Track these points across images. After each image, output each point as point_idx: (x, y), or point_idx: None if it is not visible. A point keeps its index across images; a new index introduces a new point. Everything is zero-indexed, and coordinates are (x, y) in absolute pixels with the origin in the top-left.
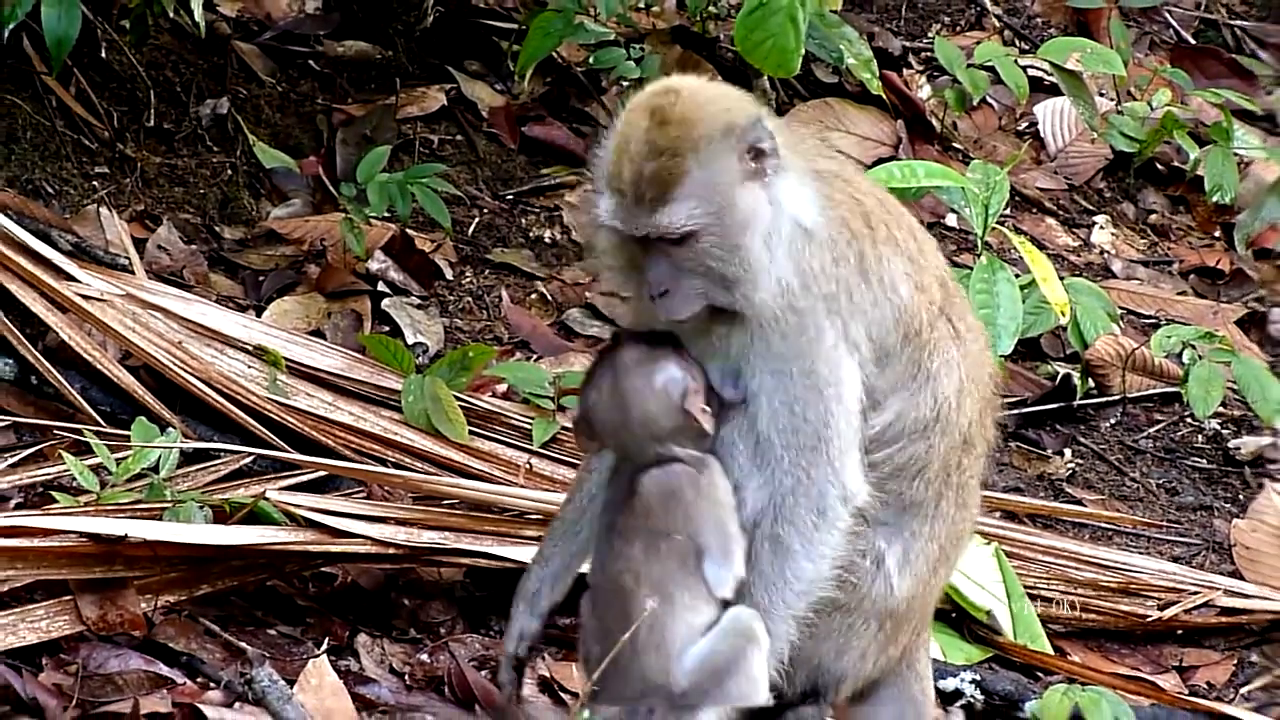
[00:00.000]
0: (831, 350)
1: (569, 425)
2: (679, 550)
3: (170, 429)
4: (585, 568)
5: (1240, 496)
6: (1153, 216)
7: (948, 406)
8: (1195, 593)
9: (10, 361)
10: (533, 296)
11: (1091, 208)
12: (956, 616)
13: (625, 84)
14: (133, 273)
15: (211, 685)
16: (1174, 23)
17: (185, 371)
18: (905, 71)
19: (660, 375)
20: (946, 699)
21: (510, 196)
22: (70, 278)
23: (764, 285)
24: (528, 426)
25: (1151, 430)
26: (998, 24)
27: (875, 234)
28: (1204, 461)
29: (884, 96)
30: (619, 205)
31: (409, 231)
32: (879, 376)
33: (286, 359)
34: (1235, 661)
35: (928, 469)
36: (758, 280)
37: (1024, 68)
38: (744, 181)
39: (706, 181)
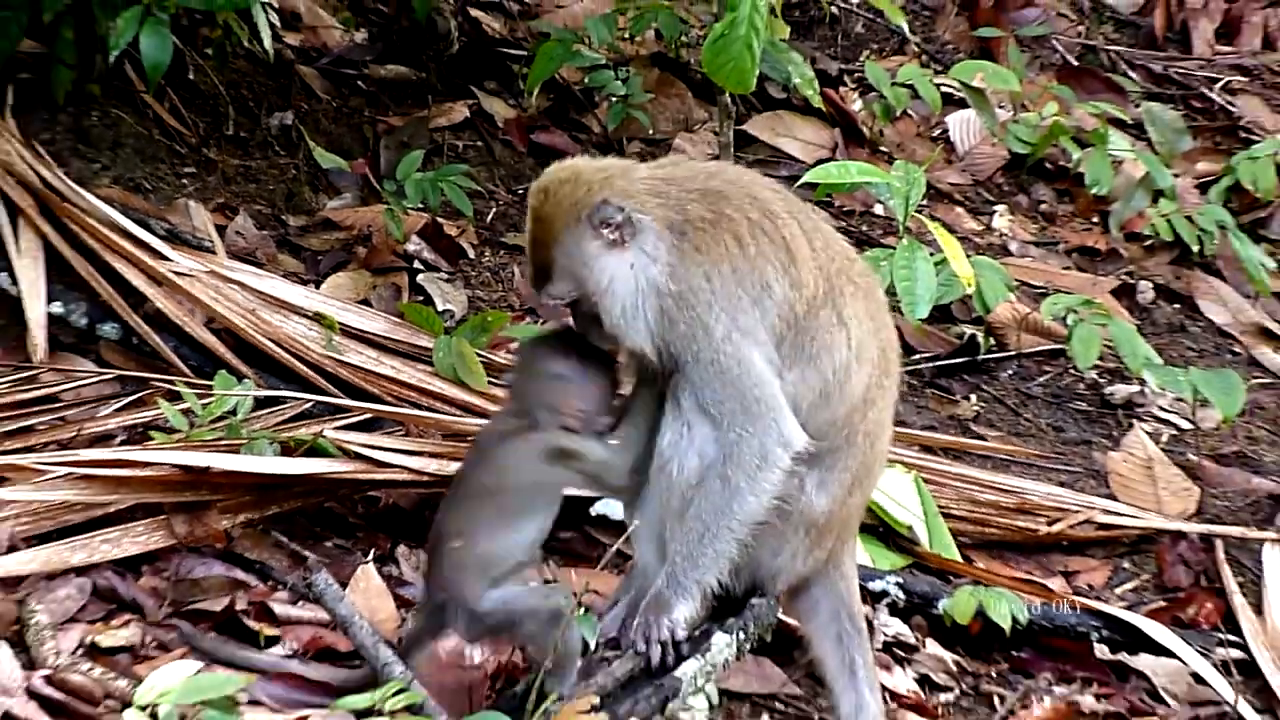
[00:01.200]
0: (724, 341)
1: None
2: (499, 505)
3: (246, 380)
4: None
5: (1114, 433)
6: (1043, 206)
7: (836, 380)
8: (1077, 511)
9: (116, 325)
10: None
11: (993, 199)
12: (883, 531)
13: (614, 99)
14: (215, 253)
15: (279, 587)
16: (1060, 48)
17: (258, 333)
18: (841, 89)
19: (563, 367)
20: (875, 598)
21: (521, 191)
22: (164, 257)
23: (637, 332)
24: None
25: (1041, 379)
26: (917, 50)
27: (745, 251)
28: (1084, 405)
29: (824, 109)
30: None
31: (439, 220)
32: (780, 358)
33: (340, 323)
34: (1110, 568)
35: (834, 424)
36: (630, 329)
37: (938, 85)
38: (604, 253)
39: (570, 263)
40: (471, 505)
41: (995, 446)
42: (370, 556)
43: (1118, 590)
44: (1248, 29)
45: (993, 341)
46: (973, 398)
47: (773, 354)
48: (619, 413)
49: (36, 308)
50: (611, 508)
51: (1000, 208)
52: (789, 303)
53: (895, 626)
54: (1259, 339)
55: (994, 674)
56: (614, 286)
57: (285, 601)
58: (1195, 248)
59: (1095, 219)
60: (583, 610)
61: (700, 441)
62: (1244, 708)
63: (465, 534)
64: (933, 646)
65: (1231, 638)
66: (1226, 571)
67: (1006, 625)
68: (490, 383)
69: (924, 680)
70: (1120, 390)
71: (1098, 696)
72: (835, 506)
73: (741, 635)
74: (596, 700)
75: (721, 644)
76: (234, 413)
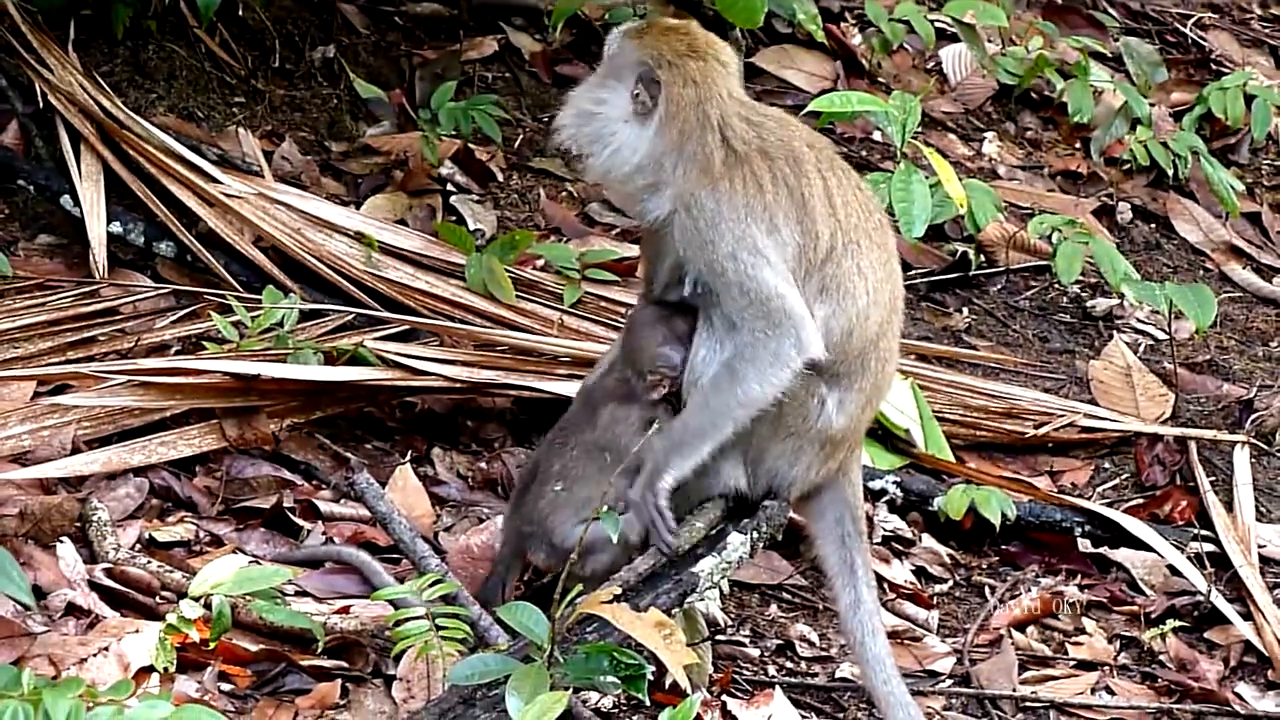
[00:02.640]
0: (729, 258)
1: (591, 291)
2: (602, 460)
3: (292, 294)
4: None
5: (1095, 343)
6: (1029, 133)
7: (857, 321)
8: (1062, 415)
9: (171, 244)
10: (563, 194)
11: (982, 126)
12: (883, 434)
13: None
14: (263, 177)
15: (323, 486)
16: None
17: (303, 251)
18: (842, 24)
19: (655, 334)
20: (875, 496)
21: (546, 119)
22: (216, 180)
23: (619, 183)
24: (559, 291)
25: (1028, 293)
26: None
27: (763, 194)
28: (1068, 317)
29: (826, 43)
30: None
31: (470, 145)
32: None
33: (379, 241)
34: (1092, 468)
35: (850, 354)
36: (616, 180)
37: (932, 21)
38: (625, 110)
39: (603, 93)
40: (577, 456)
41: (985, 356)
42: (407, 458)
43: (1099, 489)
44: None
45: (983, 258)
46: (964, 310)
47: (789, 278)
48: None
49: (97, 227)
50: None
51: (990, 134)
52: (800, 248)
53: (894, 522)
54: (1229, 256)
55: (985, 566)
56: (621, 143)
57: (329, 499)
58: (1170, 172)
59: (1077, 145)
60: (606, 509)
61: (726, 350)
62: (1215, 597)
63: (568, 480)
64: (928, 541)
65: (1204, 532)
66: (1199, 471)
67: (996, 521)
68: (518, 296)
69: (920, 572)
70: (1101, 303)
71: (1081, 587)
72: (851, 423)
73: (755, 535)
74: (619, 591)
75: (736, 543)
76: (281, 324)
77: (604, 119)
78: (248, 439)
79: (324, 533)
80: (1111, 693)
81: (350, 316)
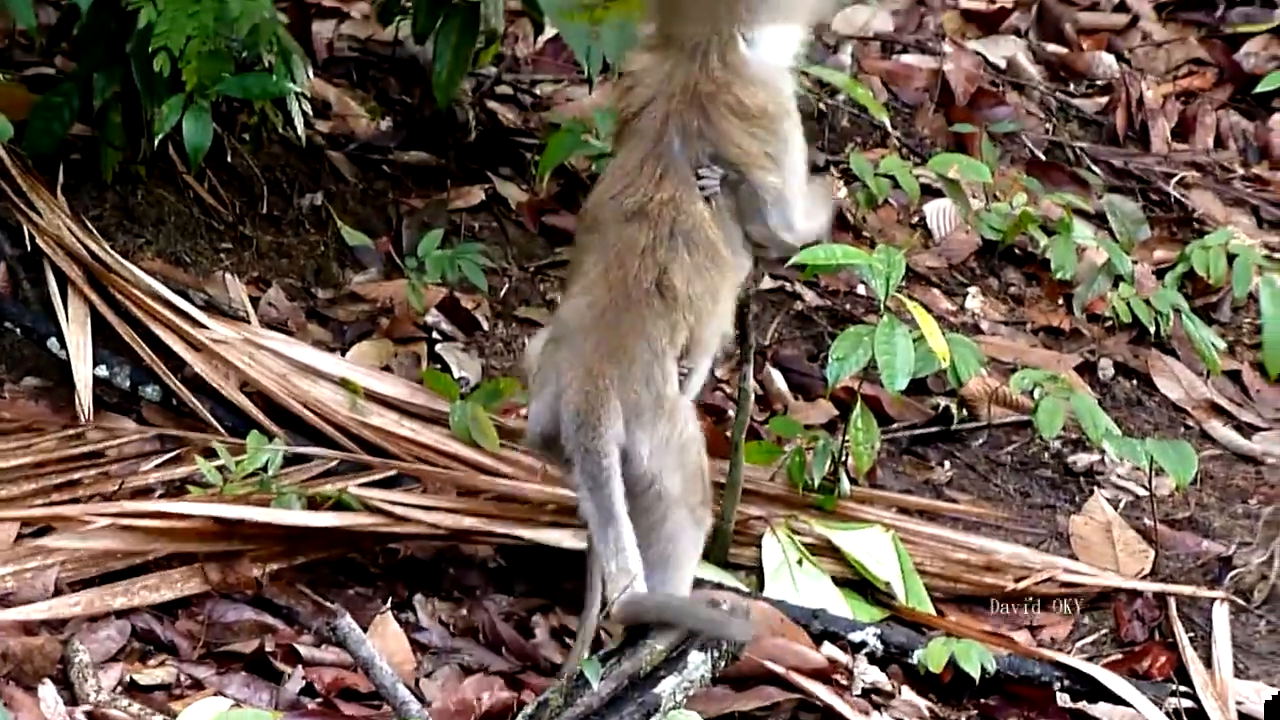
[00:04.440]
0: None
1: None
2: None
3: (276, 439)
4: None
5: (1076, 499)
6: (1012, 288)
7: None
8: (1041, 570)
9: (157, 387)
10: None
11: (966, 281)
12: (863, 585)
13: None
14: (249, 322)
15: (305, 631)
16: (1029, 144)
17: (288, 396)
18: (828, 178)
19: None
20: (855, 647)
21: (532, 269)
22: (202, 325)
23: None
24: None
25: (1010, 448)
26: (897, 143)
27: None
28: (1049, 472)
29: None
30: None
31: (456, 294)
32: None
33: (364, 388)
34: (1072, 622)
35: None
36: None
37: (917, 176)
38: None
39: None
40: None
41: (966, 509)
42: (388, 604)
43: (1078, 643)
44: (1201, 129)
45: (965, 412)
46: (946, 464)
47: None
48: None
49: (83, 370)
50: None
51: (973, 289)
52: None
53: (873, 675)
54: (1210, 414)
55: (964, 719)
56: None
57: (310, 644)
58: (1152, 329)
59: (1060, 301)
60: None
61: None
62: None
63: None
64: (908, 693)
65: (1183, 689)
66: (1179, 627)
67: (976, 674)
68: (502, 444)
69: None
70: (1082, 459)
71: None
72: None
73: (716, 654)
74: None
75: (697, 661)
76: (265, 469)
77: None
78: (230, 583)
79: (304, 677)
80: None
81: (334, 462)
